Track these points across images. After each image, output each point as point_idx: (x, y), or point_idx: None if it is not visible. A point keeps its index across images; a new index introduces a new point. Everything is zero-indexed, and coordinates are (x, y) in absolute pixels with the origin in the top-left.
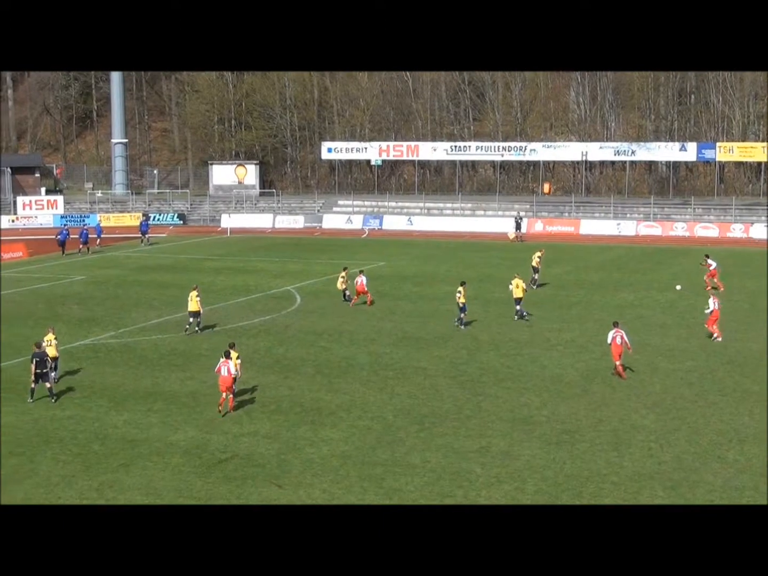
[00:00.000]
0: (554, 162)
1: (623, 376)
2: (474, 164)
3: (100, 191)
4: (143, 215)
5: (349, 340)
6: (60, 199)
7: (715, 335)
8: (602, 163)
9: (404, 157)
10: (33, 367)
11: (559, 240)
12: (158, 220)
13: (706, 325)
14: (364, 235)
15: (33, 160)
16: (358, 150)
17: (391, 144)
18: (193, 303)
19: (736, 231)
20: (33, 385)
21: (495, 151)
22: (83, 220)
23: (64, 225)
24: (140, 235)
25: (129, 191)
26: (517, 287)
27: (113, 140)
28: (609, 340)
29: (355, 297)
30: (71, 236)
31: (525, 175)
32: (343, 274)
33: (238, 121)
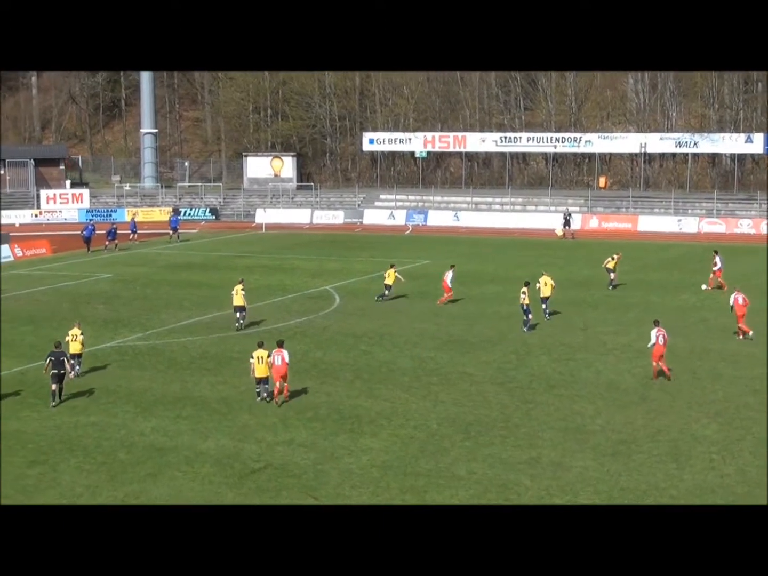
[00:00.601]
0: (611, 154)
1: (663, 374)
2: (525, 156)
3: (127, 184)
4: (173, 210)
5: (390, 343)
6: (86, 192)
7: (746, 333)
8: (662, 155)
9: (450, 149)
10: (47, 364)
11: (616, 237)
12: (189, 215)
13: (739, 325)
14: (408, 232)
15: (57, 151)
16: (401, 141)
17: (437, 134)
18: (239, 297)
19: None
20: (53, 387)
21: (547, 142)
22: (110, 215)
23: (90, 220)
24: (170, 231)
25: (158, 184)
26: (545, 285)
27: (142, 130)
28: (653, 341)
29: (446, 294)
30: (97, 232)
31: (579, 168)
32: (391, 271)
33: (274, 110)
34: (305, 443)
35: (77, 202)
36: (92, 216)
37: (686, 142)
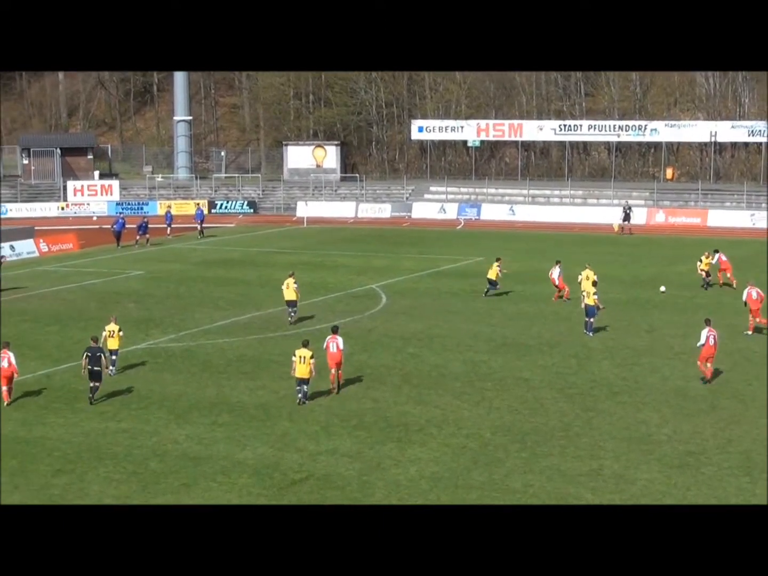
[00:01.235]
0: (678, 143)
1: (708, 377)
2: (586, 146)
3: (160, 175)
4: (195, 204)
5: (441, 345)
6: (115, 184)
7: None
8: (734, 144)
9: (506, 138)
10: (84, 361)
11: (684, 233)
12: (226, 208)
13: (756, 319)
14: (460, 226)
15: (85, 140)
16: (453, 129)
17: (491, 122)
18: (290, 291)
19: None
20: (90, 384)
21: (610, 130)
22: (141, 208)
23: (120, 213)
24: (197, 226)
25: (193, 175)
26: (587, 279)
27: (176, 118)
28: (702, 341)
29: (562, 290)
30: (128, 226)
31: (644, 159)
32: (497, 264)
33: (316, 96)
34: (349, 453)
35: (106, 194)
36: (122, 209)
37: (760, 131)
